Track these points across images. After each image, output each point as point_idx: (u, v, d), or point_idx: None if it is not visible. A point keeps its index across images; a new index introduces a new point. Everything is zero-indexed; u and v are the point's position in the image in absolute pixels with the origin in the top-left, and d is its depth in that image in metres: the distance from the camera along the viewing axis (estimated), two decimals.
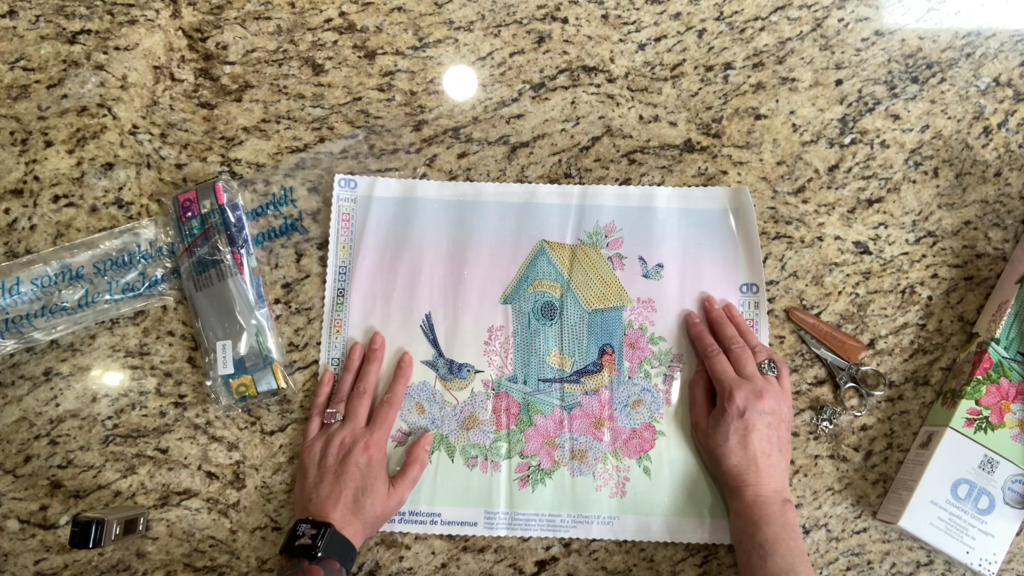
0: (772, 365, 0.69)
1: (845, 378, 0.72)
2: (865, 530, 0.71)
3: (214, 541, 0.70)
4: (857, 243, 0.76)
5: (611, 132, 0.77)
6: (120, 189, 0.75)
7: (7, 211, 0.75)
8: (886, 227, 0.76)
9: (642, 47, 0.79)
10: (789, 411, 0.68)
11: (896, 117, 0.78)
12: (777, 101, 0.78)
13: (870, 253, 0.75)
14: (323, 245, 0.75)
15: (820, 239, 0.75)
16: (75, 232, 0.74)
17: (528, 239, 0.75)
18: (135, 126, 0.76)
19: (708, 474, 0.71)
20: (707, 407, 0.70)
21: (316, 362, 0.73)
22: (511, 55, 0.79)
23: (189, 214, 0.73)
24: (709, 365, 0.69)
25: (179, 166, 0.76)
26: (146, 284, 0.73)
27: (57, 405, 0.72)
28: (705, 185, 0.76)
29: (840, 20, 0.80)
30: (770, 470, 0.65)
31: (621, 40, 0.79)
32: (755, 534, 0.62)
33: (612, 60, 0.79)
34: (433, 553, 0.70)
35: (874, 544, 0.71)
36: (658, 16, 0.80)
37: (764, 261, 0.75)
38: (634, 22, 0.80)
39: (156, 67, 0.78)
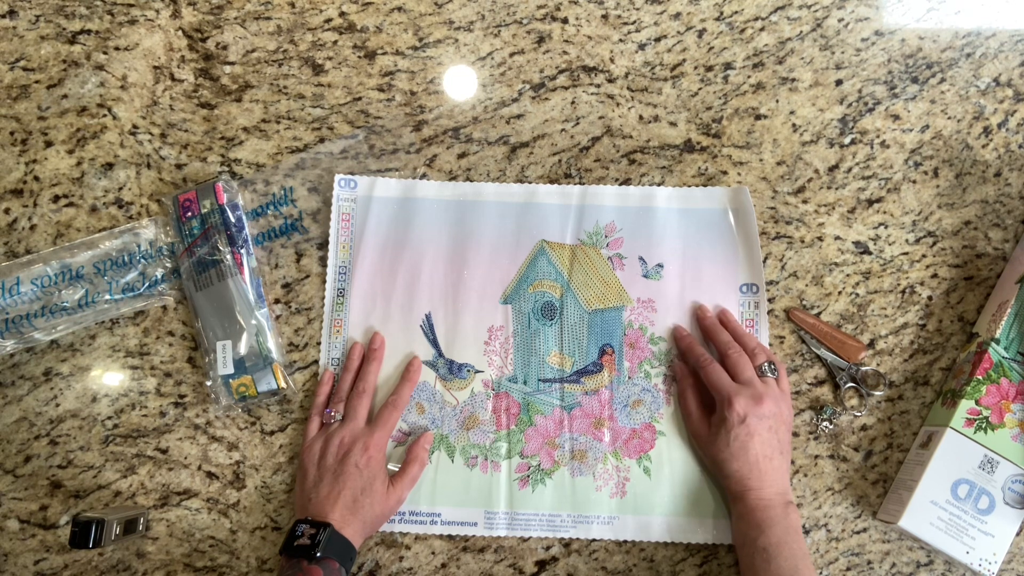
0: (772, 367, 0.68)
1: (845, 378, 0.72)
2: (865, 530, 0.71)
3: (214, 541, 0.70)
4: (857, 243, 0.76)
5: (611, 132, 0.77)
6: (120, 189, 0.75)
7: (7, 211, 0.75)
8: (886, 227, 0.76)
9: (642, 47, 0.79)
10: (789, 412, 0.68)
11: (896, 117, 0.78)
12: (777, 101, 0.78)
13: (870, 253, 0.75)
14: (323, 245, 0.75)
15: (820, 239, 0.75)
16: (75, 232, 0.74)
17: (528, 239, 0.75)
18: (135, 126, 0.76)
19: (708, 474, 0.71)
20: (703, 414, 0.69)
21: (316, 362, 0.73)
22: (511, 55, 0.79)
23: (189, 214, 0.73)
24: (705, 375, 0.69)
25: (179, 166, 0.76)
26: (146, 284, 0.73)
27: (57, 405, 0.72)
28: (705, 185, 0.76)
29: (840, 20, 0.80)
30: (772, 473, 0.65)
31: (621, 40, 0.79)
32: (758, 537, 0.62)
33: (612, 60, 0.79)
34: (433, 553, 0.70)
35: (874, 544, 0.71)
36: (658, 16, 0.80)
37: (764, 261, 0.75)
38: (634, 22, 0.80)
39: (156, 67, 0.78)
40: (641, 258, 0.75)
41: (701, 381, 0.70)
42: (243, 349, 0.71)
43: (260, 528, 0.70)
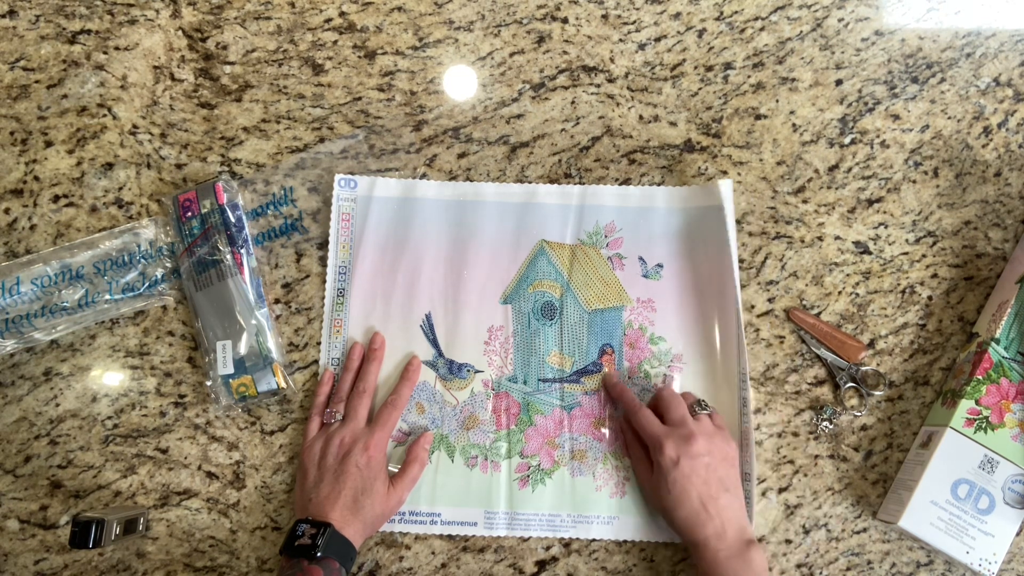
0: (703, 404, 0.67)
1: (845, 378, 0.72)
2: (865, 530, 0.71)
3: (214, 541, 0.70)
4: (857, 243, 0.76)
5: (611, 132, 0.77)
6: (120, 189, 0.75)
7: (7, 211, 0.75)
8: (886, 227, 0.76)
9: (642, 47, 0.79)
10: (728, 447, 0.65)
11: (896, 117, 0.78)
12: (777, 101, 0.78)
13: (870, 253, 0.75)
14: (323, 245, 0.75)
15: (820, 239, 0.75)
16: (75, 232, 0.74)
17: (528, 239, 0.75)
18: (135, 126, 0.76)
19: None
20: (649, 467, 0.67)
21: (316, 362, 0.73)
22: (511, 55, 0.79)
23: (189, 214, 0.73)
24: (635, 420, 0.67)
25: (179, 166, 0.76)
26: (146, 284, 0.73)
27: (57, 405, 0.72)
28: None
29: (840, 20, 0.80)
30: (723, 513, 0.62)
31: (621, 40, 0.79)
32: None
33: (612, 60, 0.79)
34: (433, 553, 0.70)
35: (874, 544, 0.71)
36: (658, 16, 0.80)
37: (764, 261, 0.75)
38: (634, 22, 0.80)
39: (156, 67, 0.78)
40: (641, 258, 0.75)
41: None
42: (243, 349, 0.71)
43: (260, 528, 0.70)
